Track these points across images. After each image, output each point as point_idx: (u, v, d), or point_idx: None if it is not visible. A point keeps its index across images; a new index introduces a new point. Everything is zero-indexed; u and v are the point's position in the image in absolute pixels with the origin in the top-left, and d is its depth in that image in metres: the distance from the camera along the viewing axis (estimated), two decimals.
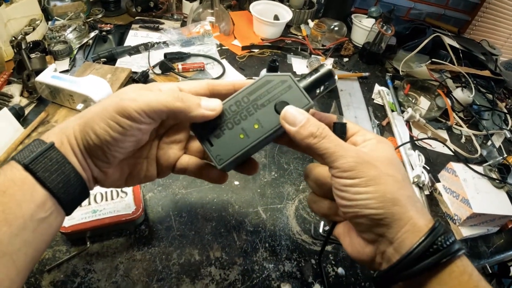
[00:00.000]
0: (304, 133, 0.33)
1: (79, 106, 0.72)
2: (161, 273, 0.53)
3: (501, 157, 0.88)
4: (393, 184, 0.32)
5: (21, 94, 0.78)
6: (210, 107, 0.35)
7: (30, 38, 0.89)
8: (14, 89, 0.79)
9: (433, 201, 0.77)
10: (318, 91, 0.37)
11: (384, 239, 0.32)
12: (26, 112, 0.74)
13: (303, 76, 0.37)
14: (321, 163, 0.38)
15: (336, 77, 0.37)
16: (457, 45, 1.26)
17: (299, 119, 0.34)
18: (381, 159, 0.33)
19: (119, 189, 0.57)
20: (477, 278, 0.30)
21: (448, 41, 1.23)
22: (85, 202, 0.55)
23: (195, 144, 0.40)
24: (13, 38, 0.84)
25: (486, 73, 1.24)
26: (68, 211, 0.34)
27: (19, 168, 0.30)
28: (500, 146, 1.00)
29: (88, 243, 0.53)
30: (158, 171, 0.41)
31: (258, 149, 0.40)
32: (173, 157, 0.40)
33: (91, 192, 0.54)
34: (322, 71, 0.37)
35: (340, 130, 0.36)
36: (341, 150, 0.32)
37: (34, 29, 0.92)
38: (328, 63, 1.12)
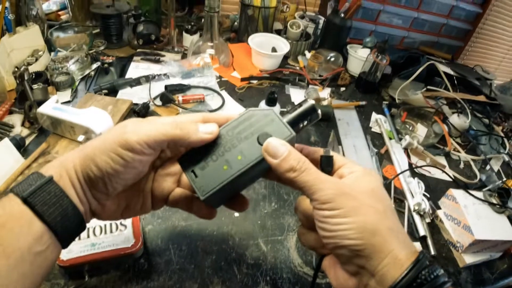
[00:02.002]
0: (285, 166, 0.34)
1: (80, 137, 0.72)
2: None
3: (501, 181, 0.88)
4: (373, 215, 0.32)
5: (22, 125, 0.79)
6: (208, 130, 0.36)
7: (32, 68, 0.90)
8: (16, 119, 0.79)
9: (434, 229, 0.76)
10: (301, 125, 0.38)
11: (366, 272, 0.32)
12: (27, 142, 0.74)
13: (287, 111, 0.39)
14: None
15: (319, 111, 0.38)
16: (451, 72, 1.29)
17: (281, 151, 0.34)
18: (362, 190, 0.34)
19: (118, 222, 0.57)
20: None
21: (442, 68, 1.26)
22: (84, 235, 0.54)
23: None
24: (16, 69, 0.85)
25: (481, 98, 1.26)
26: (65, 244, 0.34)
27: (17, 201, 0.31)
28: (499, 170, 1.01)
29: (86, 276, 0.52)
30: (153, 203, 0.42)
31: (245, 184, 0.41)
32: (167, 190, 0.41)
33: (91, 225, 0.54)
34: (305, 106, 0.38)
35: (326, 163, 0.37)
36: (320, 183, 0.33)
37: (36, 59, 0.94)
38: (325, 93, 1.14)
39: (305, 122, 0.38)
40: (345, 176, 0.36)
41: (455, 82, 1.28)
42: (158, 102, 0.93)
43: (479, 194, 0.79)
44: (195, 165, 0.37)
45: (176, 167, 0.41)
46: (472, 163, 0.99)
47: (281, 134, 0.36)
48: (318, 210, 0.33)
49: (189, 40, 1.20)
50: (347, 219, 0.31)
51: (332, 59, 1.26)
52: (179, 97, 0.94)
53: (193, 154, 0.37)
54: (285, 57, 1.29)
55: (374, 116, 1.08)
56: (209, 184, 0.35)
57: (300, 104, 0.38)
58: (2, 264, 0.28)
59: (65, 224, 0.32)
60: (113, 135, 0.34)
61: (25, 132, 0.77)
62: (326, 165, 0.37)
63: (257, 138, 0.36)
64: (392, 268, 0.30)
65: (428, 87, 1.22)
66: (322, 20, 1.44)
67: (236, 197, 0.42)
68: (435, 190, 0.86)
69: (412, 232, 0.74)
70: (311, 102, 0.38)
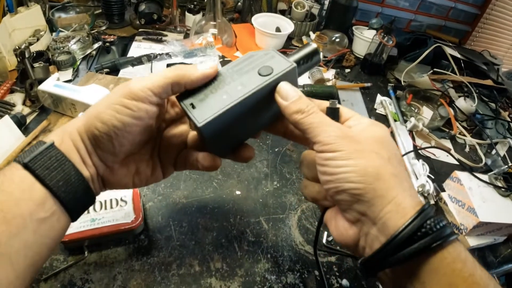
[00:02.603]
0: (293, 108, 0.34)
1: (81, 114, 0.72)
2: (160, 284, 0.52)
3: (506, 166, 0.87)
4: (376, 159, 0.31)
5: (24, 103, 0.78)
6: (208, 66, 0.36)
7: (34, 48, 0.90)
8: (17, 98, 0.79)
9: (438, 211, 0.75)
10: (302, 66, 0.38)
11: (367, 219, 0.31)
12: (28, 120, 0.74)
13: (289, 54, 0.39)
14: (308, 143, 0.38)
15: (321, 55, 0.39)
16: (458, 55, 1.27)
17: (292, 94, 0.34)
18: (368, 137, 0.33)
19: (118, 198, 0.56)
20: (472, 266, 0.28)
21: (449, 51, 1.24)
22: None
23: (192, 136, 0.41)
24: (17, 48, 0.85)
25: (489, 82, 1.24)
26: (72, 213, 0.33)
27: (18, 167, 0.30)
28: (504, 155, 0.99)
29: (86, 252, 0.52)
30: (163, 171, 0.42)
31: (246, 125, 0.39)
32: (174, 151, 0.41)
33: None
34: (308, 47, 0.38)
35: (332, 114, 0.37)
36: (324, 126, 0.33)
37: (38, 39, 0.93)
38: (330, 74, 1.12)
39: (306, 64, 0.38)
40: (353, 127, 0.35)
41: (462, 65, 1.26)
42: None
43: (484, 177, 0.78)
44: (194, 98, 0.36)
45: (181, 128, 0.40)
46: (477, 147, 0.98)
47: (282, 66, 0.35)
48: (320, 153, 0.32)
49: (191, 19, 1.17)
50: (349, 161, 0.30)
51: (337, 40, 1.24)
52: None
53: (192, 91, 0.36)
54: (289, 38, 1.27)
55: (379, 98, 1.07)
56: (207, 113, 0.34)
57: (303, 47, 0.39)
58: (2, 231, 0.27)
59: (68, 189, 0.31)
60: (116, 90, 0.34)
61: (26, 110, 0.77)
62: (332, 117, 0.36)
63: (258, 70, 0.36)
64: (394, 215, 0.29)
65: (435, 69, 1.21)
66: (327, 1, 1.41)
67: (241, 146, 0.41)
68: (439, 172, 0.86)
69: None
70: (314, 45, 0.39)
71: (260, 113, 0.38)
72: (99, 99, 0.35)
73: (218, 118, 0.34)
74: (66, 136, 0.33)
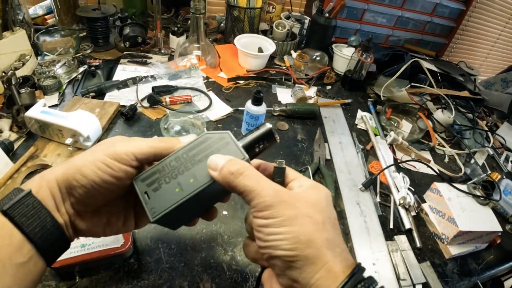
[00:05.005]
0: (223, 172, 0.34)
1: (68, 140, 0.73)
2: None
3: (485, 174, 0.90)
4: (310, 225, 0.31)
5: (11, 129, 0.79)
6: (189, 140, 0.38)
7: (19, 73, 0.90)
8: (4, 124, 0.80)
9: (420, 222, 0.78)
10: (257, 149, 0.38)
11: (298, 285, 0.31)
12: (16, 146, 0.75)
13: (245, 134, 0.39)
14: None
15: (277, 136, 0.38)
16: (435, 69, 1.32)
17: (221, 163, 0.34)
18: (305, 200, 0.33)
19: None
20: None
21: (426, 65, 1.29)
22: None
23: None
24: (3, 74, 0.85)
25: (465, 93, 1.29)
26: (48, 259, 0.34)
27: None
28: (483, 163, 1.03)
29: (77, 277, 0.53)
30: (136, 222, 0.43)
31: (202, 206, 0.41)
32: None
33: None
34: (262, 129, 0.38)
35: (278, 174, 0.38)
36: (259, 188, 0.32)
37: (23, 64, 0.93)
38: (312, 92, 1.16)
39: (262, 146, 0.38)
40: (293, 189, 0.36)
41: (439, 78, 1.31)
42: (146, 103, 0.94)
43: (463, 187, 0.81)
44: (149, 187, 0.37)
45: None
46: (456, 157, 1.02)
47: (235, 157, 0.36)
48: (255, 219, 0.33)
49: (175, 41, 1.20)
50: (281, 229, 0.31)
51: (318, 58, 1.28)
52: (167, 98, 0.94)
53: (148, 175, 0.37)
54: (272, 57, 1.30)
55: (360, 113, 1.11)
56: (160, 206, 0.35)
57: (258, 128, 0.39)
58: None
59: (44, 236, 0.33)
60: (102, 147, 0.36)
61: (14, 136, 0.77)
62: (277, 176, 0.38)
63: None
64: (325, 281, 0.29)
65: (413, 84, 1.25)
66: (307, 20, 1.46)
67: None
68: (420, 184, 0.89)
69: (398, 226, 0.75)
70: (269, 126, 0.39)
71: (213, 195, 0.39)
72: (84, 152, 0.37)
73: (170, 213, 0.35)
74: (44, 183, 0.34)
